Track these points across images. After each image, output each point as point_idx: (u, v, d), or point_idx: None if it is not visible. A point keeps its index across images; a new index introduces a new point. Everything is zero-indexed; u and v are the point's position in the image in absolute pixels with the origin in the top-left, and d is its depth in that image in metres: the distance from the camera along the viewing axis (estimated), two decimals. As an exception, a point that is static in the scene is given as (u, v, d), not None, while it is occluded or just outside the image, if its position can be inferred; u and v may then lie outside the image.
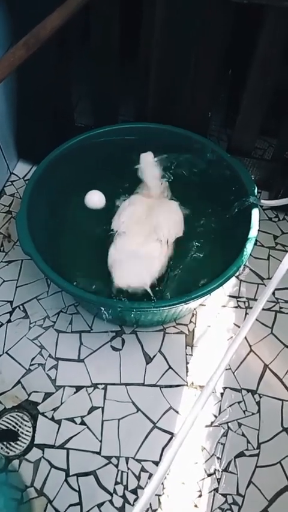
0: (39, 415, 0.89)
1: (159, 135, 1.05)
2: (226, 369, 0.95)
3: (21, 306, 1.04)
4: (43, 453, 0.85)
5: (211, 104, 1.12)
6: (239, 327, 1.01)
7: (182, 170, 1.03)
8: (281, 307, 1.04)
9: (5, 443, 0.86)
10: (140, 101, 1.13)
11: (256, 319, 1.01)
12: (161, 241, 0.90)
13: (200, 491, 0.82)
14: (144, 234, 0.91)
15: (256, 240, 1.15)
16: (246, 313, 1.04)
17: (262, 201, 0.95)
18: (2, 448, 0.86)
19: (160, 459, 0.85)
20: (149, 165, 1.00)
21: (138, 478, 0.83)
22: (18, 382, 0.93)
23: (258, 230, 1.17)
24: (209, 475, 0.83)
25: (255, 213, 0.91)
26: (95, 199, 1.00)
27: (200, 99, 1.08)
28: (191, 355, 0.97)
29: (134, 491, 0.82)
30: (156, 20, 0.92)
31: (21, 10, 0.97)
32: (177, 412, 0.90)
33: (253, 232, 0.88)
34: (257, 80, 1.00)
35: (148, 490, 0.45)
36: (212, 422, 0.89)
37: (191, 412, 0.52)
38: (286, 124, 1.12)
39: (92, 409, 0.90)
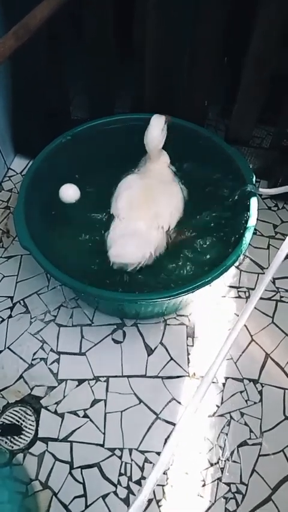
0: (42, 409, 0.90)
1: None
2: (228, 359, 0.95)
3: (21, 301, 1.04)
4: (47, 446, 0.86)
5: (208, 93, 1.11)
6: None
7: (179, 161, 1.02)
8: (281, 297, 1.04)
9: (8, 437, 0.86)
10: (136, 92, 1.12)
11: (257, 309, 1.03)
12: (162, 228, 0.90)
13: (204, 480, 0.82)
14: (144, 219, 0.89)
15: (256, 230, 1.15)
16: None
17: (260, 189, 0.94)
18: (6, 442, 0.86)
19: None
20: (157, 128, 0.94)
21: (142, 469, 0.84)
22: (21, 376, 0.94)
23: (258, 219, 1.16)
24: (213, 465, 0.84)
25: (253, 202, 0.90)
26: (70, 192, 0.98)
27: (196, 88, 1.07)
28: (192, 346, 0.97)
29: (138, 482, 0.82)
30: (148, 7, 0.91)
31: (11, 1, 0.96)
32: (179, 402, 0.90)
33: (252, 221, 0.87)
34: (253, 67, 0.99)
35: (150, 480, 0.45)
36: (214, 413, 0.89)
37: (192, 401, 0.52)
38: (284, 111, 1.10)
39: (95, 401, 0.90)
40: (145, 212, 0.90)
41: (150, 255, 0.86)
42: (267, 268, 1.07)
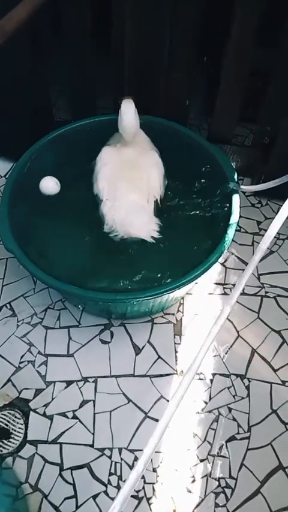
0: (31, 412, 0.90)
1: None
2: (214, 356, 0.96)
3: (8, 305, 1.04)
4: (36, 449, 0.86)
5: (188, 92, 1.12)
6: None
7: (161, 160, 1.03)
8: (266, 292, 1.05)
9: (-3, 441, 0.86)
10: (116, 92, 1.13)
11: (243, 305, 1.04)
12: (156, 200, 0.91)
13: (193, 476, 0.83)
14: (135, 188, 0.89)
15: (240, 227, 1.17)
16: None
17: (242, 186, 0.95)
18: (-5, 446, 0.86)
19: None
20: (130, 111, 0.90)
21: (132, 468, 0.84)
22: (9, 380, 0.93)
23: (242, 216, 1.18)
24: (202, 461, 0.84)
25: (235, 199, 0.91)
26: (50, 185, 0.97)
27: (177, 87, 1.08)
28: (180, 343, 0.98)
29: (128, 481, 0.83)
30: (126, 7, 0.91)
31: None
32: (167, 400, 0.91)
33: (234, 218, 0.88)
34: (232, 64, 1.00)
35: (133, 475, 0.46)
36: (202, 409, 0.90)
37: (175, 395, 0.52)
38: (264, 109, 1.12)
39: (84, 402, 0.90)
40: (135, 186, 0.90)
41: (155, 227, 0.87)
42: (252, 264, 1.08)
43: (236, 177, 0.95)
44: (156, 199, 0.92)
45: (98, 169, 0.94)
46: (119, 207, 0.88)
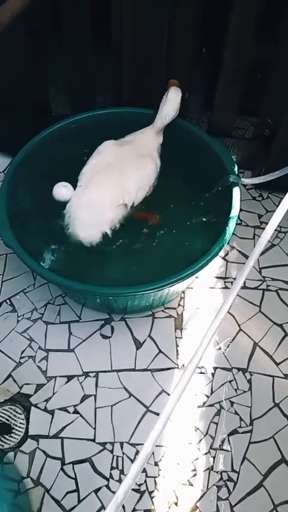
0: (32, 407, 0.89)
1: (136, 118, 1.03)
2: (216, 349, 0.96)
3: (8, 300, 1.03)
4: (38, 444, 0.86)
5: (188, 85, 1.11)
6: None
7: (161, 154, 1.02)
8: (268, 285, 1.05)
9: (-1, 436, 0.86)
10: (115, 86, 1.12)
11: (244, 299, 1.03)
12: (126, 205, 0.90)
13: (195, 470, 0.83)
14: (107, 187, 0.89)
15: (241, 220, 1.16)
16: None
17: (242, 179, 0.94)
18: (-4, 441, 0.86)
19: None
20: (176, 100, 0.95)
21: (133, 462, 0.84)
22: (9, 375, 0.93)
23: (243, 210, 1.18)
24: (204, 454, 0.84)
25: (236, 192, 0.90)
26: (63, 191, 0.96)
27: (176, 80, 1.07)
28: (181, 338, 0.97)
29: (130, 475, 0.82)
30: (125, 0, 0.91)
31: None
32: (169, 394, 0.90)
33: (235, 211, 0.88)
34: (232, 55, 0.99)
35: (134, 468, 0.46)
36: (204, 403, 0.90)
37: (176, 389, 0.52)
38: (264, 101, 1.11)
39: (85, 397, 0.90)
40: (109, 181, 0.90)
41: (103, 234, 0.89)
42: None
43: (236, 169, 0.94)
44: (126, 204, 0.90)
45: (91, 157, 0.95)
46: (83, 196, 0.89)
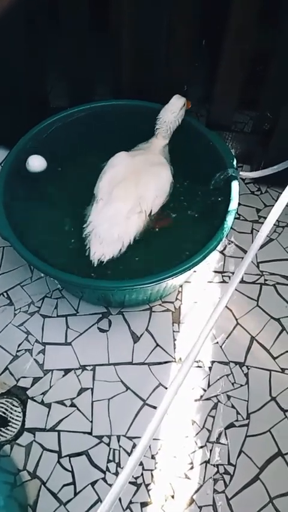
0: (29, 400, 0.89)
1: (134, 110, 1.03)
2: (213, 343, 0.96)
3: (5, 293, 1.03)
4: (34, 437, 0.85)
5: (187, 77, 1.10)
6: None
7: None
8: (266, 280, 1.05)
9: (-5, 429, 0.86)
10: (114, 78, 1.11)
11: (242, 293, 1.03)
12: (144, 212, 0.89)
13: (192, 463, 0.83)
14: (126, 201, 0.87)
15: (239, 214, 1.16)
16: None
17: (241, 173, 0.94)
18: (-7, 434, 0.85)
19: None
20: (174, 106, 0.95)
21: (130, 455, 0.84)
22: (6, 368, 0.93)
23: (241, 204, 1.17)
24: (200, 447, 0.84)
25: (234, 186, 0.90)
26: (36, 162, 0.97)
27: (175, 72, 1.06)
28: (178, 331, 0.97)
29: (127, 468, 0.83)
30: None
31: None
32: (166, 388, 0.90)
33: (233, 205, 0.87)
34: (232, 47, 0.98)
35: (131, 461, 0.46)
36: (201, 396, 0.90)
37: (174, 383, 0.52)
38: (264, 95, 1.10)
39: (82, 390, 0.90)
40: (128, 193, 0.88)
41: (128, 243, 0.86)
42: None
43: (235, 163, 0.94)
44: (144, 211, 0.89)
45: (105, 170, 0.94)
46: (108, 212, 0.87)
